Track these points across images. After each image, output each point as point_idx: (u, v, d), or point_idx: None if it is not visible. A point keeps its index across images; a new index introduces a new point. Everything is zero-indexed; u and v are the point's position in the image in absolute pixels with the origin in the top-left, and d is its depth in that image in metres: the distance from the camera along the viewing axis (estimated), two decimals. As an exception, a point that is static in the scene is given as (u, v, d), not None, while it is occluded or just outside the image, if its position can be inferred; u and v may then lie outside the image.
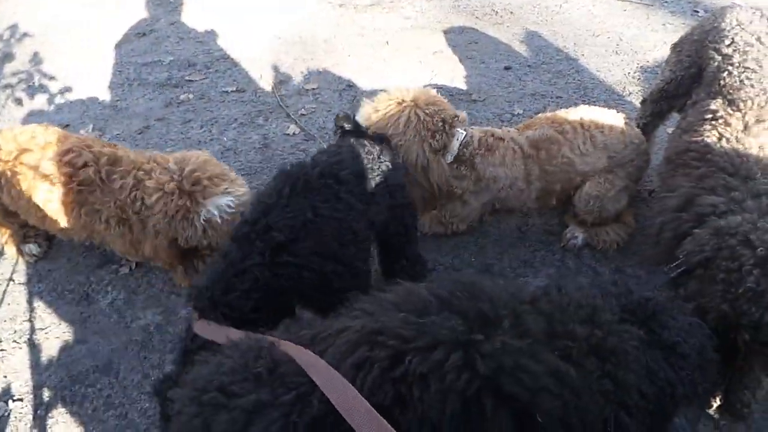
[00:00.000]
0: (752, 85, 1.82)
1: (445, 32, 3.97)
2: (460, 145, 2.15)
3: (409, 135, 2.05)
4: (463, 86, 3.44)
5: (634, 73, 3.48)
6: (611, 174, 2.21)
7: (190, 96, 3.51)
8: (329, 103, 3.37)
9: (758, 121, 1.73)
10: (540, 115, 2.35)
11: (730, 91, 1.84)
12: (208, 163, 2.12)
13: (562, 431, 1.02)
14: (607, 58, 3.62)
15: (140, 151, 2.22)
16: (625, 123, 2.24)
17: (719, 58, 1.95)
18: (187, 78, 3.68)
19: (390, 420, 0.95)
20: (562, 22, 4.03)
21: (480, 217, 2.39)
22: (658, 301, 1.35)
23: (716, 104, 1.84)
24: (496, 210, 2.36)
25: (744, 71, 1.86)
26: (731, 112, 1.78)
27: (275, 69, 3.71)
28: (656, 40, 3.76)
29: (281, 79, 3.61)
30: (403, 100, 2.10)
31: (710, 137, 1.75)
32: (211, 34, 4.13)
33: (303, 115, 3.29)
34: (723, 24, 2.01)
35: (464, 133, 2.16)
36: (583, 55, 3.66)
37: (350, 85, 3.52)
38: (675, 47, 2.23)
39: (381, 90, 3.40)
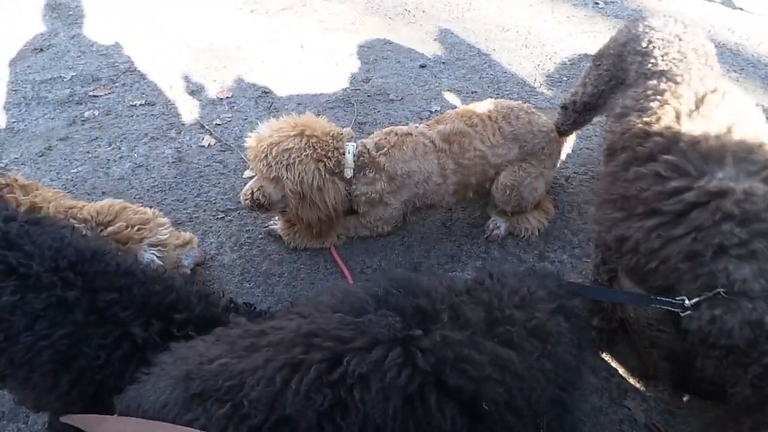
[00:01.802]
0: (682, 69, 1.73)
1: (360, 34, 3.97)
2: (354, 157, 2.16)
3: (303, 158, 2.06)
4: (380, 86, 3.44)
5: (543, 64, 3.60)
6: (524, 163, 2.27)
7: (96, 112, 3.31)
8: (245, 112, 3.28)
9: (709, 92, 1.54)
10: (449, 111, 2.38)
11: (661, 74, 1.73)
12: (126, 212, 1.98)
13: (509, 415, 1.03)
14: (517, 52, 3.72)
15: (60, 196, 2.04)
16: (532, 113, 2.30)
17: (639, 58, 1.87)
18: (91, 94, 3.47)
19: (332, 425, 0.93)
20: (473, 18, 4.12)
21: (403, 217, 2.39)
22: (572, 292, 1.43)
23: (654, 82, 1.69)
24: (419, 208, 2.36)
25: (670, 61, 1.78)
26: (675, 85, 1.62)
27: (186, 79, 3.57)
28: (562, 32, 3.92)
29: (193, 89, 3.47)
30: (294, 126, 2.11)
31: (664, 114, 1.53)
32: (116, 47, 3.92)
33: (218, 125, 3.18)
34: (638, 31, 1.96)
35: (354, 145, 2.18)
36: (494, 50, 3.75)
37: (266, 92, 3.44)
38: (595, 61, 2.19)
39: (298, 95, 3.39)
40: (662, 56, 1.80)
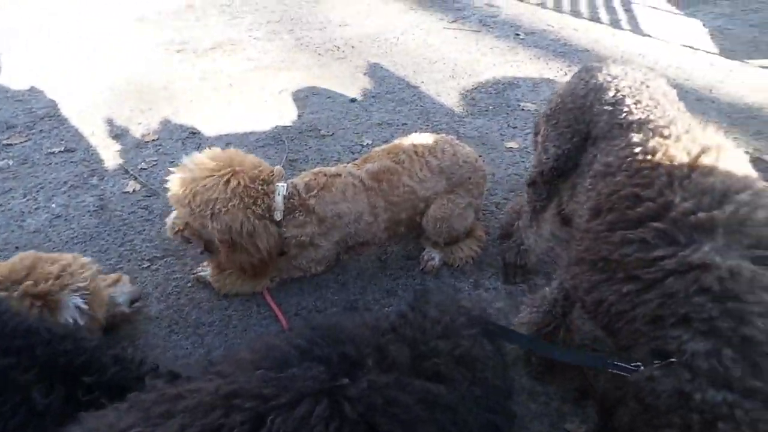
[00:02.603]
0: (661, 118, 1.62)
1: (290, 71, 3.97)
2: (284, 198, 2.12)
3: (232, 204, 2.00)
4: (311, 122, 3.43)
5: (471, 94, 3.70)
6: (452, 194, 2.29)
7: (10, 162, 3.14)
8: (172, 154, 3.19)
9: (703, 152, 1.43)
10: (376, 148, 2.38)
11: (641, 125, 1.62)
12: (40, 262, 1.85)
13: None
14: (445, 83, 3.82)
15: None
16: (456, 144, 2.34)
17: (609, 108, 1.74)
18: (5, 142, 3.29)
19: None
20: (401, 52, 4.21)
21: (336, 256, 2.36)
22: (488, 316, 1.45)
23: (640, 137, 1.54)
24: (351, 247, 2.33)
25: (645, 109, 1.67)
26: (664, 140, 1.50)
27: (109, 123, 3.44)
28: (487, 62, 4.05)
29: (117, 133, 3.36)
30: (220, 167, 2.03)
31: (657, 178, 1.41)
32: (33, 91, 3.76)
33: (143, 169, 3.07)
34: (599, 80, 1.83)
35: (284, 185, 2.14)
36: (423, 82, 3.83)
37: (194, 133, 3.37)
38: (549, 120, 2.00)
39: (227, 135, 3.34)
40: (635, 104, 1.69)
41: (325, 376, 1.00)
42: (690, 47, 4.16)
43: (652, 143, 1.49)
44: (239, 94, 3.72)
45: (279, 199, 2.12)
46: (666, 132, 1.52)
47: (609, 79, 1.81)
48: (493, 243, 2.60)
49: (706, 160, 1.40)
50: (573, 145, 1.90)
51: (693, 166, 1.39)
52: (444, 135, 2.40)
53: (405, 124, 3.40)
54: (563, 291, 1.84)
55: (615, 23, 4.58)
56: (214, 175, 2.01)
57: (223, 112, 3.54)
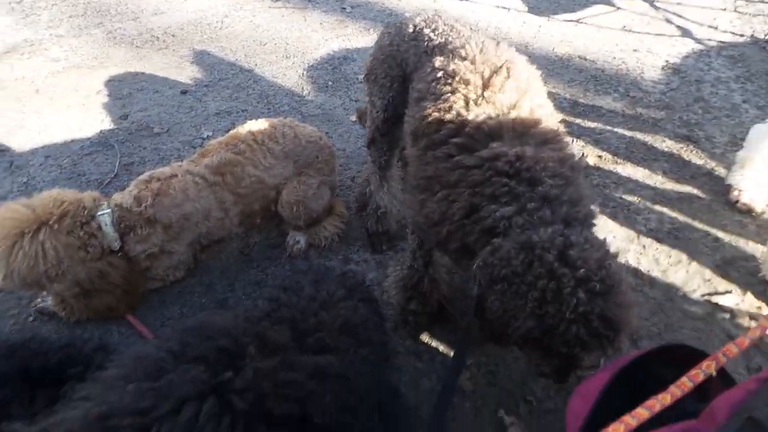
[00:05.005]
0: (458, 39, 1.80)
1: (106, 68, 3.61)
2: (113, 226, 1.96)
3: (64, 263, 1.86)
4: (142, 121, 3.17)
5: (307, 72, 3.67)
6: (302, 176, 2.27)
7: None
8: (-22, 179, 2.76)
9: (494, 73, 1.64)
10: (212, 141, 2.28)
11: (442, 48, 1.80)
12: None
13: (346, 416, 1.04)
14: (279, 64, 3.74)
15: None
16: (296, 126, 2.31)
17: (413, 43, 1.92)
18: None
19: None
20: (228, 36, 4.03)
21: (194, 258, 2.24)
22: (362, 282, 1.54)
23: (440, 61, 1.72)
24: (206, 246, 2.23)
25: (441, 33, 1.86)
26: (461, 62, 1.68)
27: None
28: (318, 38, 4.04)
29: None
30: (30, 225, 1.82)
31: (455, 102, 1.60)
32: None
33: (-58, 201, 2.62)
34: (398, 27, 2.03)
35: (108, 211, 1.97)
36: (256, 65, 3.72)
37: (2, 150, 2.94)
38: (368, 77, 2.15)
39: (43, 147, 2.97)
40: (432, 32, 1.91)
41: (206, 374, 0.98)
42: (504, 8, 4.50)
43: (452, 66, 1.70)
44: (49, 101, 3.31)
45: (108, 230, 1.95)
46: (463, 53, 1.73)
47: (407, 22, 2.04)
48: (355, 217, 2.64)
49: (496, 80, 1.64)
50: (395, 92, 2.07)
51: (486, 86, 1.63)
52: (282, 118, 2.36)
53: (245, 110, 3.29)
54: (416, 239, 1.93)
55: (432, -10, 4.80)
56: (24, 245, 1.80)
57: (33, 123, 3.13)
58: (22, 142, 2.99)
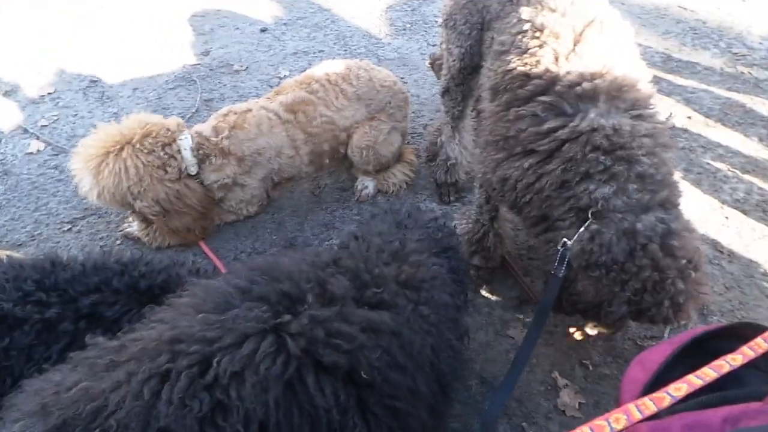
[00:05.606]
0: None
1: (188, 3, 3.68)
2: (192, 151, 2.05)
3: (145, 181, 1.98)
4: (222, 58, 3.24)
5: (386, 14, 3.58)
6: (374, 121, 2.26)
7: None
8: (74, 106, 2.94)
9: (586, 27, 1.52)
10: (288, 80, 2.30)
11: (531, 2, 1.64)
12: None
13: (394, 374, 1.06)
14: (358, 4, 3.67)
15: None
16: (371, 69, 2.28)
17: None
18: None
19: (214, 429, 0.90)
20: (308, -27, 3.97)
21: (266, 194, 2.31)
22: (450, 233, 1.52)
23: (528, 12, 1.59)
24: (278, 183, 2.29)
25: None
26: (551, 14, 1.56)
27: (-5, 79, 3.12)
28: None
29: (7, 89, 3.05)
30: (115, 145, 1.94)
31: (543, 56, 1.50)
32: None
33: (44, 126, 2.83)
34: None
35: (187, 138, 2.05)
36: (335, 4, 3.66)
37: (94, 81, 3.10)
38: (447, 24, 2.05)
39: (131, 80, 3.10)
40: None
41: (267, 314, 1.02)
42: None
43: (540, 19, 1.57)
44: (135, 34, 3.43)
45: (186, 154, 2.04)
46: (552, 4, 1.59)
47: None
48: (425, 165, 2.62)
49: (589, 35, 1.51)
50: (473, 40, 1.97)
51: (577, 41, 1.50)
52: (358, 60, 2.34)
53: (322, 51, 3.28)
54: (484, 193, 1.90)
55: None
56: (109, 162, 1.93)
57: (121, 54, 3.27)
58: (112, 73, 3.15)
